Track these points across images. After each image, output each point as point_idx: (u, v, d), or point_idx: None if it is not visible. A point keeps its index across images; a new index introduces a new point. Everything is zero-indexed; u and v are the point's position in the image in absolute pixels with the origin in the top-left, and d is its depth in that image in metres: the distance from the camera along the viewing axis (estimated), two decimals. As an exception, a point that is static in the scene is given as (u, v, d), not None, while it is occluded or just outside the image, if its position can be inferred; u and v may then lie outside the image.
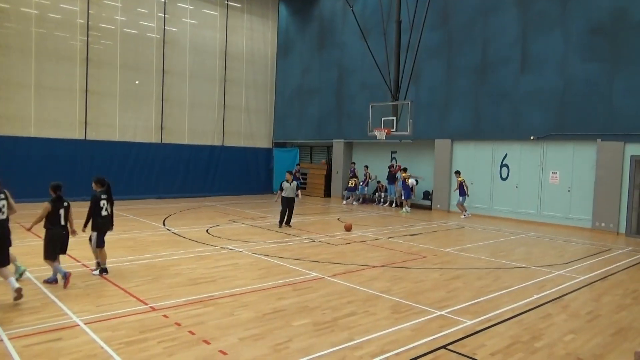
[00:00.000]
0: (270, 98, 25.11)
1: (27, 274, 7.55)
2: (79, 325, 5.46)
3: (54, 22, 17.86)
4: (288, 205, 13.43)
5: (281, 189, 13.44)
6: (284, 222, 13.48)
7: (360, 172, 21.27)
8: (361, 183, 20.94)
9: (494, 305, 6.76)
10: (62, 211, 7.04)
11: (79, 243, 10.28)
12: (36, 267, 8.05)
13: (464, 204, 17.06)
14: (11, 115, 17.13)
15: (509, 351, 5.14)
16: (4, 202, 6.37)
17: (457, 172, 17.34)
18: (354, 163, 21.84)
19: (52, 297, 6.44)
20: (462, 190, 16.92)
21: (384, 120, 16.52)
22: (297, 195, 13.85)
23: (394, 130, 16.14)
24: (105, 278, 7.52)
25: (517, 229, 14.64)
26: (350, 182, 20.87)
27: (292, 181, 13.61)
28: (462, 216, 17.01)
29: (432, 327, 5.80)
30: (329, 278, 7.96)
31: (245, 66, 23.85)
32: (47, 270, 7.84)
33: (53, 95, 17.94)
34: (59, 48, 17.99)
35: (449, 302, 6.81)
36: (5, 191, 6.48)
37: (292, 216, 13.71)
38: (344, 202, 20.50)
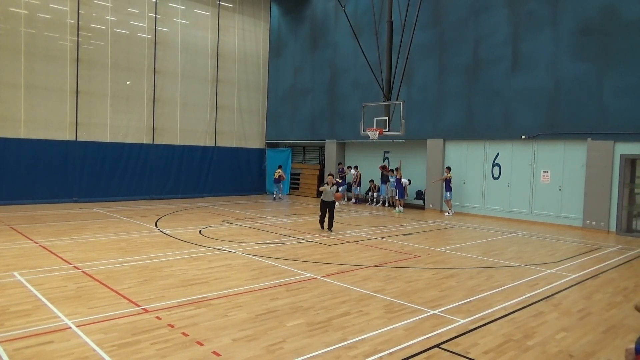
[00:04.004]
0: (262, 98, 25.06)
1: (19, 277, 7.48)
2: (70, 327, 5.42)
3: (44, 22, 17.71)
4: (327, 208, 12.89)
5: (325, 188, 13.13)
6: (326, 226, 13.01)
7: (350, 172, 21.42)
8: (352, 183, 21.10)
9: (486, 304, 6.80)
10: None
11: (71, 245, 10.22)
12: (27, 269, 7.99)
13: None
14: (0, 116, 16.96)
15: (502, 349, 5.17)
16: None
17: (448, 168, 17.76)
18: (341, 163, 22.00)
19: (44, 299, 6.39)
20: (449, 185, 17.48)
21: (376, 120, 16.55)
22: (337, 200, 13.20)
23: (387, 130, 16.19)
24: (98, 280, 7.47)
25: (508, 228, 14.74)
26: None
27: (333, 185, 12.99)
28: (447, 214, 17.59)
29: (426, 326, 5.81)
30: (322, 278, 7.96)
31: (238, 66, 23.79)
32: (41, 273, 7.79)
33: (43, 95, 17.78)
34: (49, 48, 17.84)
35: (442, 302, 6.84)
36: None
37: (332, 221, 13.07)
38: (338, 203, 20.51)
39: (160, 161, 20.91)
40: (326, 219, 13.00)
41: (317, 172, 23.71)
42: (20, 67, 17.23)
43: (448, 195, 17.61)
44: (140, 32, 20.22)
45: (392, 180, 19.28)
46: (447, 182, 17.57)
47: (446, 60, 18.12)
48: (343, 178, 21.20)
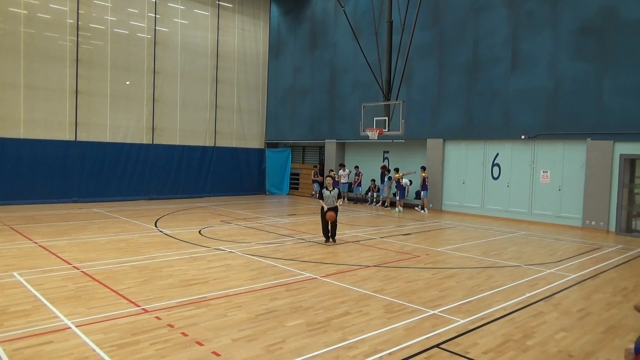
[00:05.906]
0: (262, 98, 25.06)
1: (18, 277, 7.48)
2: (70, 328, 5.42)
3: (43, 22, 17.69)
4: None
5: (322, 197, 11.43)
6: (329, 236, 11.39)
7: (351, 173, 21.43)
8: (351, 183, 21.18)
9: (486, 304, 6.80)
10: None
11: (71, 245, 10.21)
12: (27, 269, 7.99)
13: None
14: (0, 116, 16.95)
15: (502, 349, 5.17)
16: None
17: (423, 168, 18.38)
18: (341, 164, 22.02)
19: (43, 300, 6.38)
20: (425, 185, 18.19)
21: (376, 120, 16.57)
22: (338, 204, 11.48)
23: (386, 130, 16.20)
24: (97, 280, 7.47)
25: (508, 228, 14.74)
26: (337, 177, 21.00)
27: (333, 188, 11.42)
28: (423, 211, 18.31)
29: (425, 326, 5.82)
30: (322, 278, 7.96)
31: (237, 66, 23.78)
32: (40, 273, 7.79)
33: (43, 95, 17.77)
34: (49, 48, 17.82)
35: (442, 301, 6.84)
36: None
37: (336, 230, 11.50)
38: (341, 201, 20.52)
39: (159, 161, 20.89)
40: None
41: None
42: (20, 67, 17.21)
43: (422, 194, 18.34)
44: (140, 32, 20.21)
45: (386, 179, 19.46)
46: (423, 181, 18.13)
47: (445, 60, 18.12)
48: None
